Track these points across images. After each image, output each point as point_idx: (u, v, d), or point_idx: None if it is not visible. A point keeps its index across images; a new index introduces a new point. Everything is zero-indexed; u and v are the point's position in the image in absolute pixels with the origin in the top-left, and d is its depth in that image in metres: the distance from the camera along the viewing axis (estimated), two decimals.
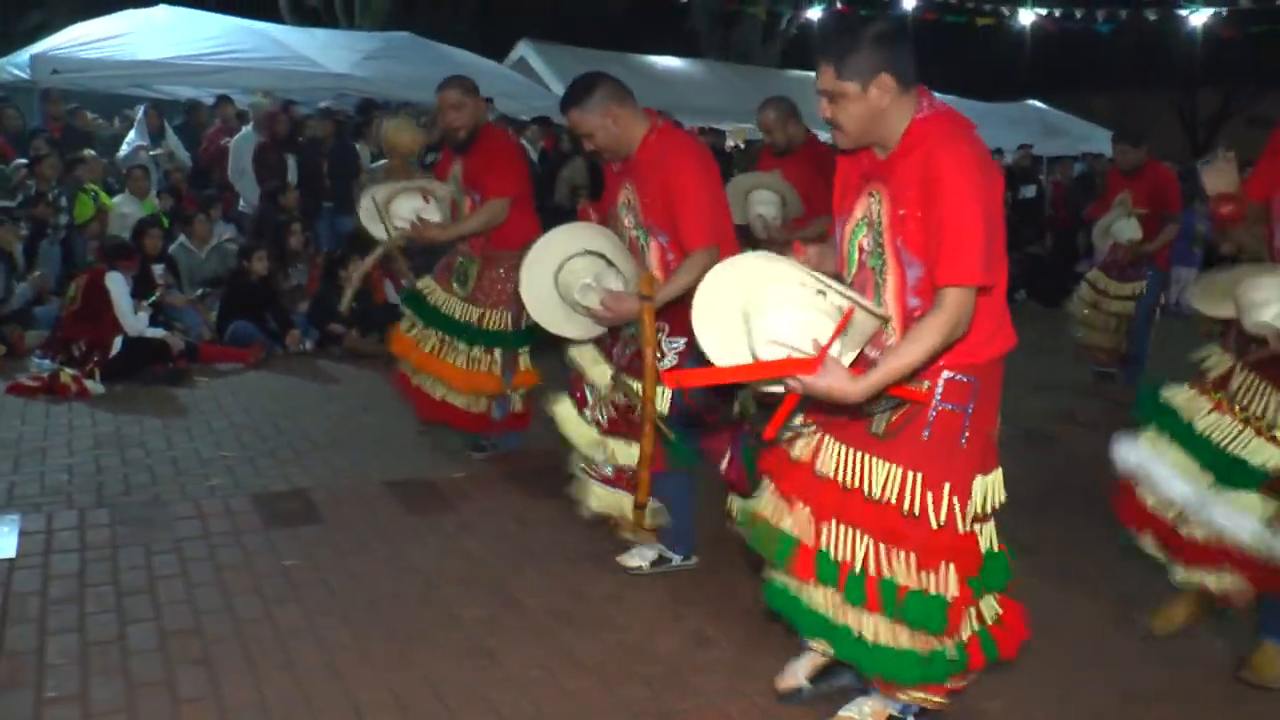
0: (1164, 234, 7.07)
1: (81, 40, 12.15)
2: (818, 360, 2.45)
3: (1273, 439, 3.25)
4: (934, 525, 2.67)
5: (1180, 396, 3.45)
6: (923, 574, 2.70)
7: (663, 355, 3.89)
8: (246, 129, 10.05)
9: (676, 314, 3.74)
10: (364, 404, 6.53)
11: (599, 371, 4.11)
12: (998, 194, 2.61)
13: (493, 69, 14.67)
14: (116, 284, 7.21)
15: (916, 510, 2.67)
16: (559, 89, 14.70)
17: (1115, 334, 7.41)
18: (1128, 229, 7.04)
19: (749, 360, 2.61)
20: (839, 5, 21.02)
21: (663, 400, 3.82)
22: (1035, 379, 7.51)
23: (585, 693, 3.32)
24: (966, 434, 2.70)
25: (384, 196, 5.19)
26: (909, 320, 2.67)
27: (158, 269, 7.86)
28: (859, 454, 2.77)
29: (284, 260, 8.41)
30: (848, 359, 2.56)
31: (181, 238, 8.71)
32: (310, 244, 9.05)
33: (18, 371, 7.05)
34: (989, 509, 2.80)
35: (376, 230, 5.25)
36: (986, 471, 2.79)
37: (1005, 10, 17.31)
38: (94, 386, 6.79)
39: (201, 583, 4.01)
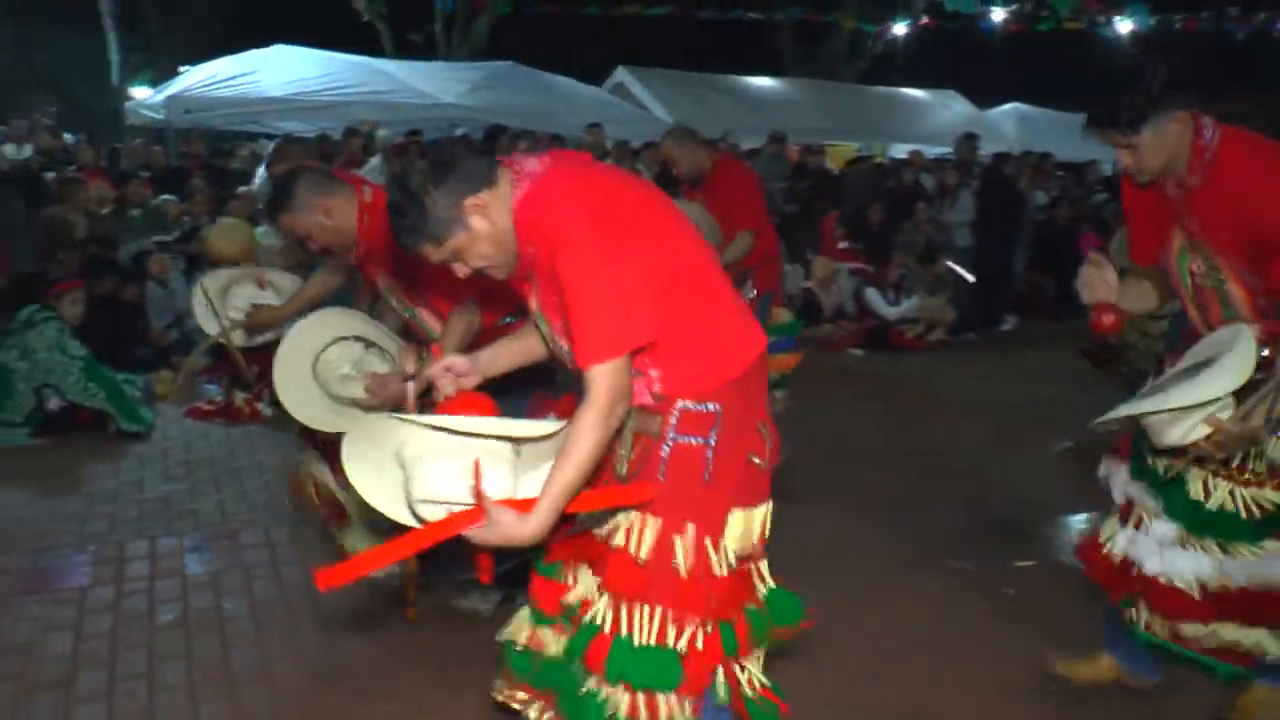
0: None
1: (209, 80, 12.72)
2: (479, 511, 2.20)
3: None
4: (682, 574, 2.37)
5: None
6: (668, 629, 2.39)
7: None
8: (375, 160, 10.36)
9: None
10: None
11: None
12: (617, 232, 2.25)
13: (597, 95, 15.02)
14: None
15: (656, 558, 2.38)
16: (659, 113, 15.01)
17: None
18: None
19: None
20: (924, 20, 21.18)
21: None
22: None
23: None
24: (711, 468, 2.39)
25: (216, 288, 4.70)
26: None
27: None
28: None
29: None
30: (531, 480, 2.29)
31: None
32: None
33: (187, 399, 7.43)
34: (754, 546, 2.49)
35: (210, 325, 4.73)
36: (747, 505, 2.46)
37: (1102, 19, 17.23)
38: (265, 409, 7.13)
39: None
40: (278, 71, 13.03)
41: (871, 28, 21.66)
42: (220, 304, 4.64)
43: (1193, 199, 2.83)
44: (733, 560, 2.42)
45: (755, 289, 5.68)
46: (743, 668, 2.50)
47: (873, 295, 10.20)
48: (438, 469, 2.22)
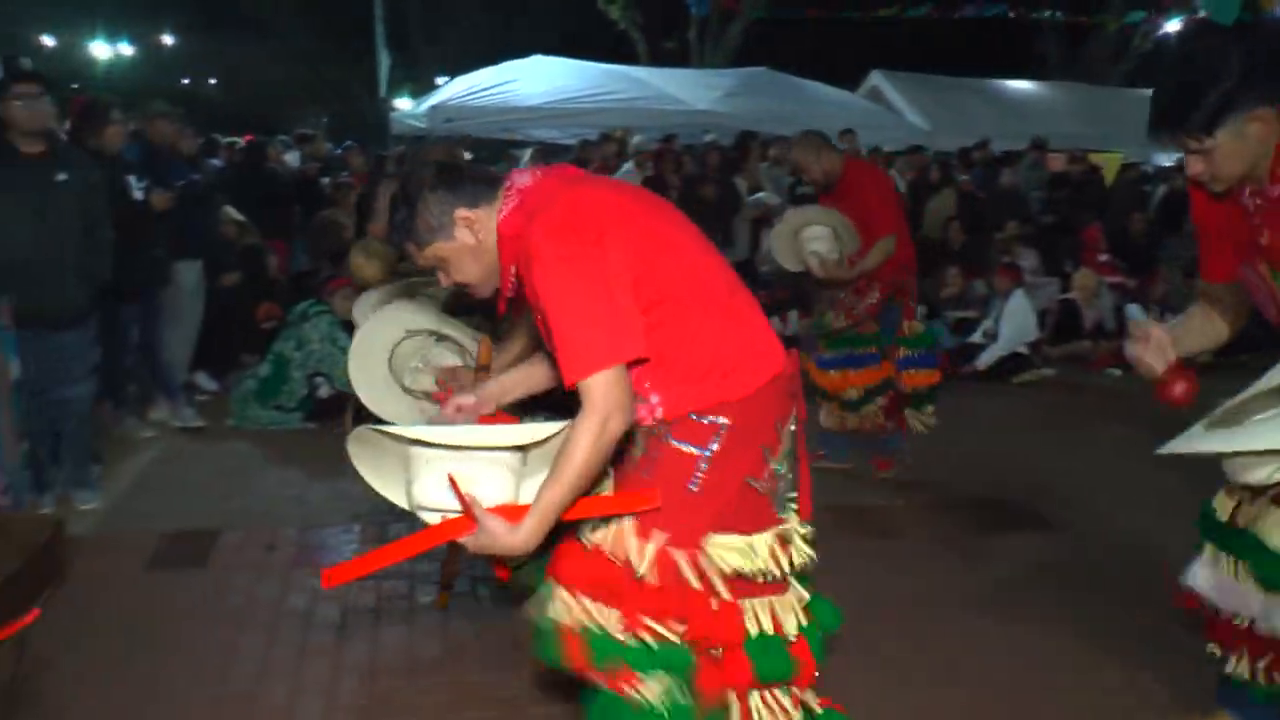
0: None
1: (468, 91, 13.29)
2: (468, 519, 2.16)
3: None
4: (651, 582, 2.24)
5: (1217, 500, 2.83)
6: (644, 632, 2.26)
7: None
8: (627, 165, 10.55)
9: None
10: None
11: None
12: (594, 244, 2.15)
13: (850, 100, 14.89)
14: None
15: (624, 560, 2.25)
16: (913, 118, 14.73)
17: None
18: None
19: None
20: (1201, 13, 19.97)
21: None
22: None
23: None
24: (700, 478, 2.26)
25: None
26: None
27: None
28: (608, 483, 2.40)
29: None
30: (535, 484, 2.21)
31: None
32: None
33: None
34: (752, 577, 2.28)
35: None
36: (740, 529, 2.28)
37: None
38: None
39: None
40: (534, 81, 13.48)
41: (1139, 15, 20.47)
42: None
43: (1273, 212, 2.39)
44: (714, 579, 2.26)
45: (880, 294, 5.51)
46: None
47: (1134, 312, 9.65)
48: (431, 478, 2.20)
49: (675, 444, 2.27)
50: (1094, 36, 21.66)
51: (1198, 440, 2.38)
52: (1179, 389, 2.50)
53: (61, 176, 4.91)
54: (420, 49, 23.74)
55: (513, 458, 2.23)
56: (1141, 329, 2.55)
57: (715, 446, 2.26)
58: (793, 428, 2.39)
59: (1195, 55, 2.34)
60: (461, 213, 2.31)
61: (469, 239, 2.32)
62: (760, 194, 10.21)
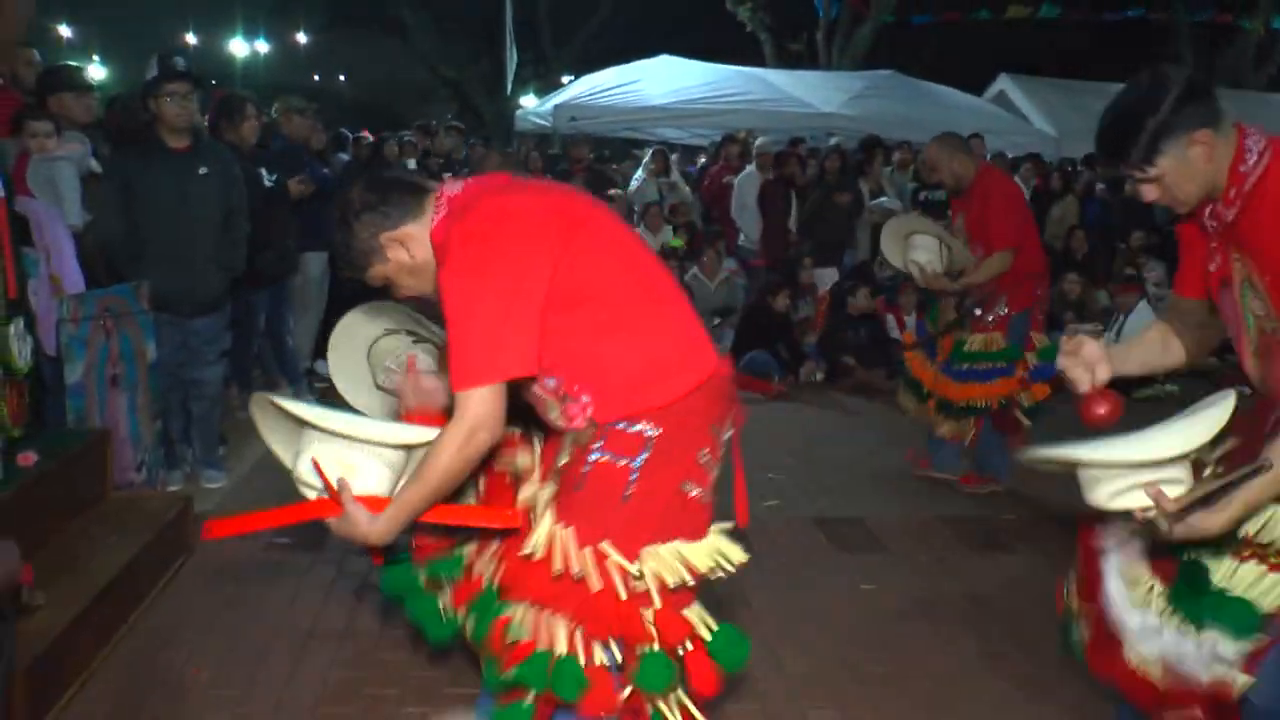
0: None
1: (593, 90, 13.38)
2: (334, 503, 2.24)
3: None
4: (594, 588, 2.23)
5: None
6: (587, 642, 2.26)
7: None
8: (750, 168, 10.51)
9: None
10: (885, 437, 6.67)
11: None
12: (504, 256, 2.19)
13: (976, 105, 14.62)
14: None
15: (565, 568, 2.24)
16: (1040, 123, 14.39)
17: None
18: None
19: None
20: None
21: None
22: None
23: None
24: (632, 489, 2.25)
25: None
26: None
27: None
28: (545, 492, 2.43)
29: (795, 294, 8.74)
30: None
31: (694, 270, 9.27)
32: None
33: None
34: (677, 582, 2.26)
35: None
36: (673, 537, 2.27)
37: None
38: None
39: (796, 603, 4.22)
40: (660, 81, 13.51)
41: None
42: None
43: (1231, 235, 2.27)
44: (649, 586, 2.24)
45: (1009, 307, 5.41)
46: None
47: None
48: (308, 458, 2.29)
49: (606, 458, 2.27)
50: (1235, 40, 20.87)
51: (1063, 448, 2.20)
52: (1099, 410, 2.33)
53: (203, 170, 5.10)
54: (548, 49, 23.98)
55: (395, 455, 2.32)
56: (1074, 341, 2.38)
57: (646, 455, 2.26)
58: (729, 433, 2.39)
59: (1136, 87, 2.25)
60: (387, 235, 2.34)
61: (403, 257, 2.35)
62: (883, 199, 10.09)
